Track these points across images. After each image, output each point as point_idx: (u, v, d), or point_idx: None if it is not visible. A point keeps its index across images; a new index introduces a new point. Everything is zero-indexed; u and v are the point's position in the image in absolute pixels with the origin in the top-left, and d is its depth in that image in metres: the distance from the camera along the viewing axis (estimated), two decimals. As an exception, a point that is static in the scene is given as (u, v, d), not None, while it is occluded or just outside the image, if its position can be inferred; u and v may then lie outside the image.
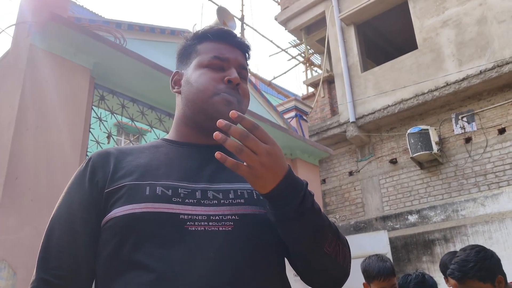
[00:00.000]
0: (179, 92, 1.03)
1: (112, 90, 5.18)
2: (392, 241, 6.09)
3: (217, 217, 0.82)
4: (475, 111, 7.21)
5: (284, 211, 0.77)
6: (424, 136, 7.16)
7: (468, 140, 7.18)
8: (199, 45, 1.03)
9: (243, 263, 0.80)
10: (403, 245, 6.23)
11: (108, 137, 5.05)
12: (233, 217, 0.83)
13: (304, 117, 8.33)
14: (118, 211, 0.82)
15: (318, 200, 7.68)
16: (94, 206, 0.87)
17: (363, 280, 5.68)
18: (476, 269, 1.62)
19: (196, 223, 0.81)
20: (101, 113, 5.15)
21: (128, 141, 5.50)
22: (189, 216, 0.81)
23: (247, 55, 1.06)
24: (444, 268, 2.19)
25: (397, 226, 6.51)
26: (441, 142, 7.35)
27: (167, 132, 5.92)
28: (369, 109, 8.01)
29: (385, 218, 6.70)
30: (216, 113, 0.91)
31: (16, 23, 4.61)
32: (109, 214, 0.84)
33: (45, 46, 4.41)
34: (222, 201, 0.85)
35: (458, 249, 5.67)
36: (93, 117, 4.97)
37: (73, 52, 4.58)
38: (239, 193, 0.88)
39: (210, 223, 0.81)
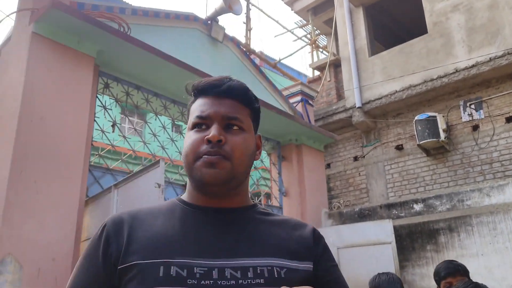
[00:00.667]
0: None
1: (116, 78, 5.10)
2: (396, 229, 6.09)
3: None
4: (483, 99, 7.10)
5: None
6: (431, 123, 7.08)
7: (475, 128, 7.10)
8: (192, 105, 1.00)
9: None
10: (408, 234, 6.24)
11: (113, 125, 5.01)
12: None
13: (310, 102, 8.24)
14: None
15: (323, 185, 7.67)
16: (107, 282, 0.84)
17: (366, 269, 5.69)
18: None
19: None
20: (105, 101, 5.09)
21: (133, 128, 5.46)
22: None
23: (241, 99, 0.98)
24: (437, 277, 2.18)
25: (402, 215, 6.51)
26: (448, 129, 7.27)
27: (172, 119, 5.86)
28: (376, 94, 7.90)
29: (389, 206, 6.69)
30: (199, 177, 0.89)
31: (17, 10, 4.50)
32: None
33: (47, 34, 4.31)
34: (240, 281, 0.81)
35: (462, 239, 5.67)
36: (98, 105, 4.92)
37: (76, 40, 4.49)
38: (258, 272, 0.83)
39: None
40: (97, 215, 4.33)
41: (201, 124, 0.93)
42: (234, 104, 0.95)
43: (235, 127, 0.93)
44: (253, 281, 0.82)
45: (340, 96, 8.97)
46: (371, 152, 8.21)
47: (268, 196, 8.27)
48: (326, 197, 7.65)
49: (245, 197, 0.99)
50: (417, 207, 6.42)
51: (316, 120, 8.57)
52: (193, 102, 1.00)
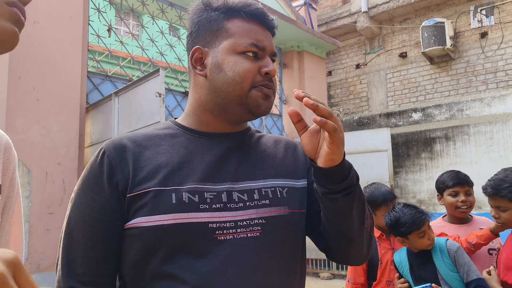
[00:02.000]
0: (205, 76, 0.92)
1: (109, -22, 4.80)
2: (393, 137, 6.21)
3: (244, 223, 0.83)
4: (496, 4, 6.76)
5: (344, 184, 0.81)
6: (438, 30, 6.83)
7: (483, 35, 6.87)
8: (228, 23, 0.92)
9: (272, 269, 0.83)
10: (404, 142, 6.37)
11: (109, 30, 4.83)
12: (260, 221, 0.84)
13: (314, 5, 7.86)
14: (143, 221, 0.79)
15: (323, 92, 7.64)
16: (116, 210, 0.83)
17: (361, 176, 5.91)
18: (509, 191, 1.71)
19: (224, 231, 0.81)
20: (99, 3, 4.85)
21: (129, 32, 5.28)
22: (217, 224, 0.81)
23: (273, 35, 0.99)
24: (442, 185, 2.21)
25: (400, 123, 6.58)
26: (455, 36, 7.04)
27: (169, 23, 5.64)
28: (383, -2, 7.51)
29: (388, 115, 6.73)
30: (256, 107, 0.89)
31: None
32: (133, 221, 0.81)
33: None
34: (247, 203, 0.85)
35: (457, 148, 5.81)
36: (91, 8, 4.70)
37: None
38: (263, 193, 0.87)
39: (238, 230, 0.82)
40: (99, 122, 4.37)
41: (253, 53, 0.90)
42: (271, 38, 0.96)
43: (273, 62, 0.95)
44: (259, 202, 0.86)
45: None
46: (374, 60, 8.05)
47: (268, 103, 8.28)
48: (326, 105, 7.68)
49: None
50: (416, 116, 6.47)
51: (319, 25, 8.26)
52: (227, 19, 0.92)
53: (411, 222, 1.83)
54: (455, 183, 2.11)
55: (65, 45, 4.19)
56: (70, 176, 4.14)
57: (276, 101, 7.23)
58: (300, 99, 0.78)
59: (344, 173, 0.81)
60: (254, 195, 0.86)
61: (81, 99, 4.30)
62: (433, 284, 1.79)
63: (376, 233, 2.13)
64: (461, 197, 2.07)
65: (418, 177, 6.26)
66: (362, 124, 6.95)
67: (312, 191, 0.92)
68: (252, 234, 0.83)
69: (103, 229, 0.83)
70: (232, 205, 0.84)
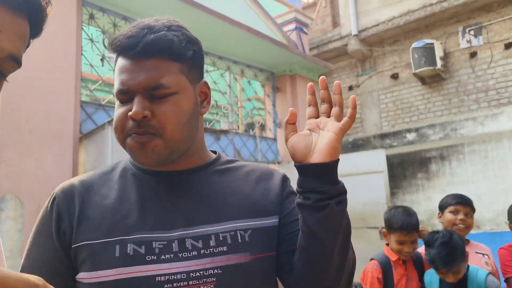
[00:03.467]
0: None
1: (102, 8, 4.84)
2: (389, 158, 6.21)
3: (197, 273, 0.74)
4: (483, 24, 6.89)
5: (339, 188, 0.76)
6: (428, 51, 6.93)
7: (473, 55, 6.97)
8: (115, 64, 0.86)
9: None
10: (400, 163, 6.37)
11: (102, 59, 4.84)
12: (215, 271, 0.75)
13: (305, 30, 7.96)
14: (85, 277, 0.74)
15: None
16: (64, 262, 0.78)
17: (358, 198, 5.86)
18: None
19: (174, 285, 0.73)
20: (91, 33, 4.87)
21: (123, 61, 5.27)
22: (167, 277, 0.73)
23: (166, 55, 0.80)
24: (443, 203, 2.25)
25: (394, 144, 6.59)
26: (445, 57, 7.14)
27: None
28: (373, 21, 7.63)
29: (383, 136, 6.75)
30: (135, 158, 0.80)
31: None
32: (78, 275, 0.76)
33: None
34: (202, 251, 0.76)
35: (453, 168, 5.81)
36: (85, 38, 4.71)
37: (56, -33, 4.18)
38: (221, 238, 0.77)
39: (191, 282, 0.73)
40: (93, 152, 4.33)
41: (123, 98, 0.80)
42: (158, 64, 0.78)
43: (160, 95, 0.79)
44: (216, 249, 0.76)
45: (335, 23, 8.67)
46: (366, 82, 8.12)
47: (262, 127, 8.30)
48: (320, 127, 7.69)
49: (202, 154, 0.89)
50: (410, 136, 6.49)
51: (310, 49, 8.35)
52: (116, 60, 0.86)
53: (445, 264, 1.83)
54: (457, 202, 2.18)
55: (58, 75, 4.18)
56: (63, 207, 4.06)
57: (270, 124, 7.24)
58: (324, 84, 0.83)
59: (337, 175, 0.78)
60: (210, 241, 0.76)
61: (74, 130, 4.26)
62: None
63: (393, 257, 2.11)
64: (460, 216, 2.14)
65: (415, 197, 6.24)
66: (357, 145, 6.95)
67: (284, 227, 0.83)
68: (205, 287, 0.73)
69: (53, 282, 0.78)
70: (185, 254, 0.75)
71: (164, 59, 0.79)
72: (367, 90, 8.11)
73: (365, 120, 8.07)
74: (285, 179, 0.93)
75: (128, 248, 0.74)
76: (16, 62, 0.58)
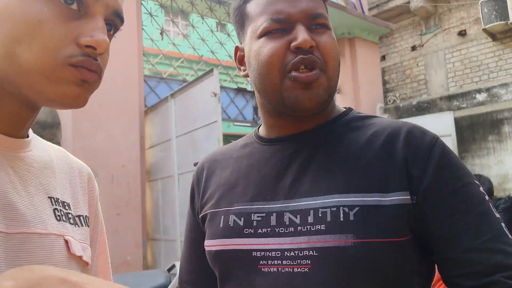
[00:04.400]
0: (247, 76, 0.78)
1: (158, -18, 4.90)
2: (457, 121, 5.90)
3: (292, 253, 0.65)
4: None
5: None
6: (499, 4, 6.37)
7: (553, 4, 6.31)
8: (248, 5, 0.75)
9: None
10: (469, 125, 6.02)
11: (161, 33, 4.94)
12: (311, 252, 0.64)
13: (363, -11, 7.59)
14: (206, 244, 0.77)
15: (378, 78, 7.39)
16: (200, 230, 0.83)
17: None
18: None
19: (269, 262, 0.67)
20: (150, 7, 4.97)
21: (181, 34, 5.36)
22: (262, 253, 0.68)
23: None
24: None
25: (463, 106, 6.23)
26: (520, 8, 6.53)
27: (219, 21, 5.68)
28: (438, -26, 7.11)
29: (450, 97, 6.39)
30: (294, 104, 0.69)
31: None
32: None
33: None
34: (299, 227, 0.66)
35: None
36: (144, 12, 4.82)
37: None
38: (320, 215, 0.65)
39: (284, 262, 0.66)
40: (158, 124, 4.50)
41: (276, 29, 0.69)
42: (321, 2, 0.73)
43: (320, 26, 0.70)
44: (313, 227, 0.64)
45: (396, -21, 8.17)
46: (431, 40, 7.66)
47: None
48: (382, 91, 7.42)
49: (330, 109, 0.76)
50: (480, 97, 6.10)
51: (369, 9, 7.97)
52: (248, 1, 0.76)
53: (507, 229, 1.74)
54: None
55: (122, 51, 4.33)
56: (134, 177, 4.30)
57: (329, 90, 7.09)
58: None
59: None
60: (309, 217, 0.65)
61: (139, 103, 4.44)
62: None
63: None
64: None
65: (486, 161, 5.91)
66: (422, 109, 6.65)
67: (432, 209, 0.63)
68: (299, 269, 0.64)
69: (194, 247, 0.85)
70: (281, 230, 0.67)
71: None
72: (432, 50, 7.65)
73: (430, 82, 7.67)
74: (410, 136, 0.68)
75: (230, 220, 0.72)
76: (120, 18, 0.58)
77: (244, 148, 0.82)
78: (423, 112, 6.55)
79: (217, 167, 0.83)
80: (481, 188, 0.66)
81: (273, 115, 0.76)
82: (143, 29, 4.72)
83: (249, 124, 5.76)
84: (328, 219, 0.64)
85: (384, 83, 8.21)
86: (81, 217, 0.66)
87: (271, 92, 0.71)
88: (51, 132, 4.17)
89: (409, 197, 0.64)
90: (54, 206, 0.59)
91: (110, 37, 0.59)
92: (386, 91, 8.16)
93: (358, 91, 6.93)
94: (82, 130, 3.99)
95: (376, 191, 0.65)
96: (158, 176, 4.51)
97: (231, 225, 0.72)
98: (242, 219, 0.71)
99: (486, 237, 0.61)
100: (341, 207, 0.64)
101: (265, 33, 0.70)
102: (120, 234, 4.16)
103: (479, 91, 6.10)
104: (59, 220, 0.58)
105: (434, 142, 0.67)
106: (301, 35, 0.67)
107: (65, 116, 4.08)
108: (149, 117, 4.63)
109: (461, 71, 7.26)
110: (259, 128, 0.84)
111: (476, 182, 0.66)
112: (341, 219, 0.63)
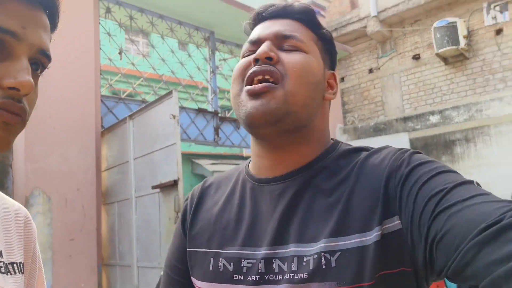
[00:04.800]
0: None
1: (118, 1, 4.84)
2: (412, 142, 6.11)
3: None
4: (510, -1, 6.62)
5: None
6: (451, 30, 6.71)
7: (499, 32, 6.72)
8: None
9: None
10: (423, 146, 6.25)
11: (120, 52, 4.86)
12: None
13: (322, 13, 7.82)
14: (194, 282, 0.76)
15: (337, 99, 7.56)
16: (186, 259, 0.80)
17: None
18: None
19: None
20: (109, 27, 4.89)
21: (141, 55, 5.30)
22: None
23: (302, 19, 0.75)
24: None
25: (417, 127, 6.46)
26: (469, 35, 6.91)
27: (179, 41, 5.66)
28: (393, 1, 7.43)
29: (405, 119, 6.62)
30: (244, 115, 0.68)
31: None
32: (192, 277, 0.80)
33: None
34: (286, 275, 0.64)
35: (479, 150, 5.67)
36: (102, 32, 4.74)
37: (71, -38, 4.19)
38: (304, 263, 0.62)
39: None
40: (115, 146, 4.38)
41: (250, 50, 0.73)
42: (292, 23, 0.74)
43: (291, 47, 0.71)
44: (296, 276, 0.62)
45: (353, 4, 8.47)
46: (387, 63, 7.95)
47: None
48: (341, 112, 7.60)
49: (317, 145, 0.74)
50: (434, 118, 6.35)
51: (329, 32, 8.20)
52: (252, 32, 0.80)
53: None
54: None
55: (78, 70, 4.22)
56: (89, 201, 4.15)
57: (290, 111, 7.19)
58: None
59: None
60: (292, 264, 0.63)
61: (96, 124, 4.32)
62: None
63: None
64: None
65: (440, 181, 6.13)
66: (379, 129, 6.84)
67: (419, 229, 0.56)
68: None
69: (176, 274, 0.81)
70: (271, 277, 0.65)
71: (302, 23, 0.75)
72: (388, 72, 7.94)
73: (387, 103, 7.93)
74: (394, 161, 0.64)
75: (220, 263, 0.71)
76: (46, 56, 0.57)
77: (236, 185, 0.79)
78: (380, 133, 6.74)
79: (208, 197, 0.82)
80: (464, 176, 0.59)
81: (254, 146, 0.76)
82: (101, 48, 4.62)
83: (210, 145, 5.72)
84: (311, 267, 0.62)
85: (343, 104, 8.42)
86: (15, 264, 0.63)
87: (235, 108, 0.72)
88: (1, 154, 3.97)
89: (394, 223, 0.60)
90: None
91: (37, 76, 0.59)
92: (345, 112, 8.37)
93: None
94: (34, 152, 3.82)
95: (357, 232, 0.62)
96: (114, 199, 4.37)
97: (221, 269, 0.70)
98: (232, 264, 0.69)
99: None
100: (322, 254, 0.62)
101: (243, 56, 0.74)
102: (74, 260, 3.98)
103: (432, 113, 6.35)
104: None
105: (402, 156, 0.65)
106: (261, 48, 0.69)
107: (17, 137, 3.90)
108: (106, 138, 4.51)
109: (415, 94, 7.56)
110: (249, 163, 0.81)
111: (457, 172, 0.60)
112: (323, 266, 0.61)
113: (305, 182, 0.70)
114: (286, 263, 0.64)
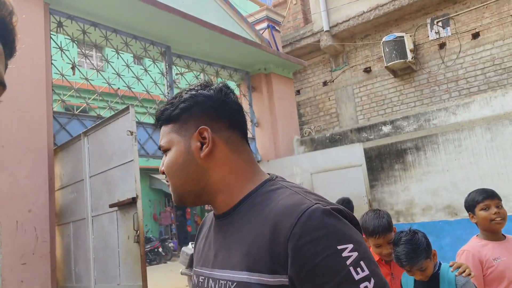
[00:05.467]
0: None
1: (70, 15, 4.73)
2: (366, 151, 6.29)
3: None
4: (451, 15, 7.05)
5: None
6: (399, 44, 7.05)
7: (442, 45, 7.13)
8: None
9: None
10: (377, 155, 6.46)
11: (73, 68, 4.73)
12: None
13: (277, 28, 7.98)
14: None
15: (293, 111, 7.70)
16: None
17: (338, 193, 5.93)
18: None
19: None
20: (60, 41, 4.75)
21: (94, 68, 5.19)
22: None
23: (164, 123, 0.95)
24: (472, 203, 2.22)
25: (371, 137, 6.68)
26: (415, 49, 7.28)
27: (135, 55, 5.58)
28: (344, 16, 7.71)
29: (360, 130, 6.84)
30: None
31: None
32: None
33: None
34: None
35: (428, 157, 5.93)
36: (54, 47, 4.60)
37: (19, -25, 4.05)
38: (217, 285, 0.84)
39: None
40: (69, 164, 4.23)
41: None
42: (163, 130, 0.96)
43: (164, 151, 0.95)
44: None
45: (307, 19, 8.72)
46: (340, 76, 8.21)
47: (239, 126, 8.28)
48: (298, 124, 7.74)
49: (230, 194, 0.89)
50: (386, 129, 6.59)
51: (283, 46, 8.38)
52: None
53: (408, 260, 1.87)
54: (485, 197, 2.15)
55: (28, 87, 4.07)
56: (41, 222, 3.97)
57: (248, 124, 7.23)
58: None
59: None
60: (217, 285, 0.85)
61: (48, 142, 4.16)
62: None
63: (375, 257, 2.14)
64: (493, 210, 2.11)
65: (394, 188, 6.35)
66: (334, 140, 7.02)
67: None
68: None
69: None
70: None
71: (164, 125, 0.95)
72: (342, 85, 8.19)
73: (341, 115, 8.16)
74: (296, 227, 0.72)
75: (195, 279, 0.95)
76: (1, 84, 0.56)
77: (213, 220, 0.98)
78: (335, 143, 6.91)
79: (200, 231, 1.07)
80: (343, 254, 0.68)
81: None
82: (52, 63, 4.48)
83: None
84: None
85: (300, 116, 8.58)
86: None
87: None
88: None
89: (286, 279, 0.72)
90: None
91: None
92: (302, 124, 8.53)
93: (275, 124, 7.15)
94: (-20, 173, 3.62)
95: (258, 271, 0.74)
96: (69, 219, 4.21)
97: (195, 283, 0.95)
98: (196, 279, 0.94)
99: None
100: (227, 281, 0.80)
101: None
102: (26, 286, 3.78)
103: (384, 123, 6.60)
104: None
105: (295, 223, 0.72)
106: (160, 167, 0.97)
107: (-40, 158, 3.69)
108: (59, 156, 4.35)
109: (368, 105, 7.84)
110: None
111: (338, 248, 0.69)
112: None
113: (233, 217, 0.87)
114: (215, 283, 0.85)
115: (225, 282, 0.81)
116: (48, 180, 4.06)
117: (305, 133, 8.26)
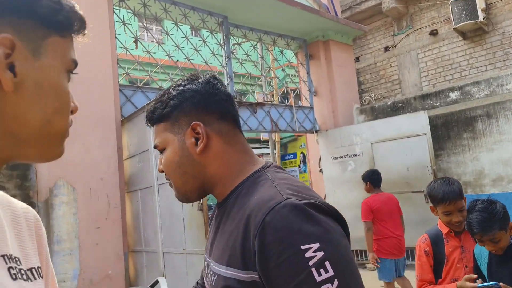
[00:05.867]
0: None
1: (131, -11, 4.83)
2: (431, 120, 6.00)
3: None
4: (530, -32, 6.41)
5: None
6: (469, 4, 6.54)
7: (519, 3, 6.52)
8: None
9: None
10: (443, 123, 6.14)
11: (135, 41, 4.86)
12: None
13: (335, -8, 7.67)
14: None
15: (353, 79, 7.47)
16: None
17: (401, 163, 5.73)
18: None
19: None
20: (123, 16, 4.88)
21: (155, 43, 5.30)
22: None
23: (156, 123, 0.95)
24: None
25: (437, 104, 6.35)
26: (487, 8, 6.72)
27: (193, 29, 5.63)
28: (408, -24, 7.25)
29: (424, 97, 6.51)
30: None
31: None
32: None
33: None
34: (211, 279, 0.89)
35: (501, 125, 5.55)
36: (117, 21, 4.74)
37: (83, -48, 4.18)
38: (211, 273, 0.88)
39: None
40: (135, 134, 4.42)
41: None
42: (156, 130, 0.95)
43: (160, 150, 0.95)
44: (213, 281, 0.86)
45: (367, -19, 8.30)
46: (403, 40, 7.80)
47: (298, 96, 8.19)
48: (357, 92, 7.51)
49: (224, 188, 0.91)
50: (453, 95, 6.23)
51: (342, 11, 8.07)
52: None
53: (480, 228, 1.78)
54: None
55: (96, 61, 4.25)
56: (113, 190, 4.22)
57: (306, 93, 7.14)
58: None
59: None
60: (210, 272, 0.90)
61: (115, 113, 4.36)
62: (501, 284, 1.71)
63: (444, 229, 2.07)
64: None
65: (462, 158, 6.04)
66: (397, 108, 6.75)
67: None
68: None
69: None
70: (209, 283, 0.90)
71: (156, 124, 0.95)
72: (405, 50, 7.80)
73: (404, 81, 7.80)
74: (263, 224, 0.72)
75: (204, 264, 0.99)
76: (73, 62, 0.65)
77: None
78: (398, 112, 6.65)
79: (214, 215, 1.03)
80: (307, 254, 0.67)
81: None
82: (116, 37, 4.63)
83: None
84: (211, 279, 0.86)
85: (359, 84, 8.32)
86: (33, 270, 0.62)
87: None
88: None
89: (257, 276, 0.73)
90: (9, 264, 0.55)
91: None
92: (361, 92, 8.27)
93: (334, 92, 6.99)
94: (57, 143, 3.88)
95: (232, 265, 0.77)
96: (137, 187, 4.43)
97: (203, 266, 1.00)
98: (203, 264, 0.99)
99: None
100: (214, 273, 0.85)
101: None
102: (100, 248, 4.07)
103: (452, 89, 6.24)
104: (14, 279, 0.55)
105: (262, 219, 0.72)
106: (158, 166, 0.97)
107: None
108: (126, 127, 4.55)
109: (433, 70, 7.42)
110: None
111: (302, 248, 0.68)
112: (213, 283, 0.84)
113: (225, 209, 0.90)
114: (212, 270, 0.87)
115: (211, 273, 0.86)
116: (117, 150, 4.27)
117: (365, 102, 8.02)
